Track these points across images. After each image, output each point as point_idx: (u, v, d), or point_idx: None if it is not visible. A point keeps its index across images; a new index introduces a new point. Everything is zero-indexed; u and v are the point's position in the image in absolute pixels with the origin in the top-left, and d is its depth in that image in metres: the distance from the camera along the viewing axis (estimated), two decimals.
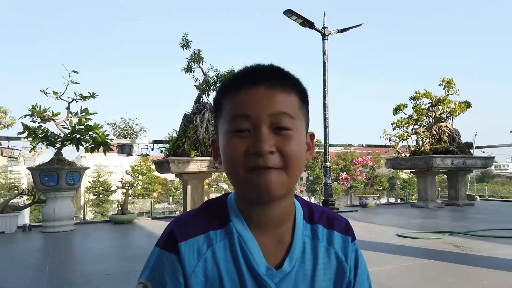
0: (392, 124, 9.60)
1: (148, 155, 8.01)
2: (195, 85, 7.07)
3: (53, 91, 6.29)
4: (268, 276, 0.76)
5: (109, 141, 6.45)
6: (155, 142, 7.87)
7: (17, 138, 6.82)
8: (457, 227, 5.76)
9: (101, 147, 6.43)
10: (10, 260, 4.22)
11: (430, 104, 9.69)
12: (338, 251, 0.84)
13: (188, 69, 7.02)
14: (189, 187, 6.67)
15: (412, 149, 9.40)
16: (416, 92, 9.79)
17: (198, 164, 6.35)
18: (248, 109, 0.73)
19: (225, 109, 0.78)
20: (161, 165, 6.64)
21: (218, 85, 6.88)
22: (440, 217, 7.26)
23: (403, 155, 9.47)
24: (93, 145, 6.33)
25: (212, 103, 0.81)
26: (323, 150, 8.90)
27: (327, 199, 8.53)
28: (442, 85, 9.74)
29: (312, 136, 0.85)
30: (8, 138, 7.61)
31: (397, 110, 9.78)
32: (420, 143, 9.32)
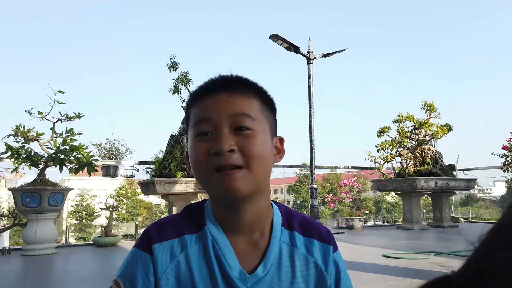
0: (376, 147, 9.76)
1: (134, 176, 7.93)
2: (182, 106, 7.12)
3: (38, 111, 6.26)
4: (240, 279, 0.77)
5: (94, 161, 6.38)
6: (141, 163, 7.82)
7: None
8: (441, 248, 5.80)
9: (86, 168, 6.35)
10: None
11: (413, 127, 9.90)
12: (317, 260, 0.84)
13: (175, 90, 7.08)
14: (174, 208, 6.60)
15: (397, 171, 9.53)
16: (399, 115, 10.01)
17: (184, 185, 6.31)
18: (209, 113, 0.76)
19: (191, 117, 0.81)
20: (147, 186, 6.58)
21: None
22: (425, 238, 7.30)
23: (388, 177, 9.58)
24: (77, 166, 6.25)
25: (190, 100, 0.84)
26: (309, 172, 8.96)
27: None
28: (424, 108, 9.99)
29: (281, 140, 0.87)
30: None
31: (381, 132, 9.97)
32: (404, 165, 9.47)
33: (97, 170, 6.51)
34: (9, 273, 4.61)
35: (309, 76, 9.15)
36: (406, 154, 9.48)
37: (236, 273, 0.77)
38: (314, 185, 8.71)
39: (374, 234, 8.17)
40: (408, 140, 9.84)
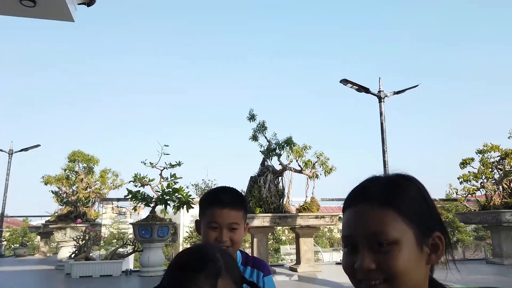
0: (458, 178, 9.65)
1: None
2: (260, 151, 8.32)
3: (150, 162, 8.06)
4: None
5: (191, 200, 7.89)
6: None
7: (123, 199, 8.65)
8: (509, 284, 5.81)
9: (185, 206, 7.88)
10: None
11: (499, 157, 9.56)
12: (253, 278, 1.81)
13: (254, 138, 8.33)
14: (255, 240, 7.70)
15: (482, 203, 9.27)
16: (484, 145, 9.78)
17: (261, 219, 7.39)
18: (216, 219, 1.63)
19: (206, 213, 1.69)
20: None
21: (277, 151, 8.03)
22: (505, 274, 7.12)
23: (472, 210, 9.37)
24: (178, 204, 7.81)
25: (203, 202, 1.65)
26: None
27: None
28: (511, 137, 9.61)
29: (247, 224, 1.78)
30: (118, 199, 9.59)
31: (464, 164, 9.83)
32: (489, 197, 9.18)
33: (193, 207, 7.99)
34: None
35: (380, 114, 9.67)
36: (491, 185, 9.20)
37: None
38: None
39: (453, 269, 8.10)
40: (495, 171, 9.52)
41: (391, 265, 0.74)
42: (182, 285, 0.87)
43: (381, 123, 9.64)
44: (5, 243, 21.60)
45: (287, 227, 10.03)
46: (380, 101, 9.72)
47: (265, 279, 1.69)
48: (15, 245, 18.13)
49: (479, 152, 9.74)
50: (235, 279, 0.95)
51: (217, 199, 1.59)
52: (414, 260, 0.76)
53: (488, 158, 9.56)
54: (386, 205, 0.78)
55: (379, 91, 9.73)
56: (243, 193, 1.65)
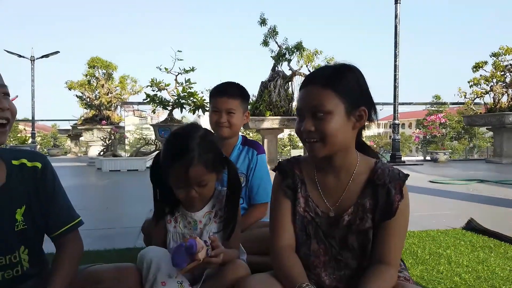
0: (469, 82, 9.73)
1: None
2: (271, 56, 8.50)
3: (165, 68, 8.40)
4: None
5: (205, 104, 8.38)
6: None
7: (143, 103, 9.22)
8: (497, 178, 6.34)
9: (200, 109, 8.40)
10: (140, 186, 6.47)
11: None
12: (249, 155, 2.26)
13: (265, 43, 8.45)
14: (266, 140, 8.32)
15: (489, 106, 9.47)
16: (500, 48, 9.63)
17: (271, 122, 7.91)
18: (218, 106, 2.06)
19: (211, 100, 2.14)
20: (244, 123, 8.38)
21: (287, 56, 8.19)
22: (499, 171, 7.65)
23: (478, 113, 9.62)
24: (194, 108, 8.34)
25: (210, 94, 2.08)
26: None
27: (395, 153, 9.38)
28: None
29: (248, 113, 2.18)
30: (138, 103, 10.18)
31: (476, 67, 9.81)
32: (497, 100, 9.34)
33: (207, 111, 8.52)
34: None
35: (396, 16, 9.45)
36: (500, 89, 9.29)
37: None
38: (397, 121, 9.42)
39: (453, 167, 8.70)
40: (508, 74, 9.52)
41: (324, 127, 1.06)
42: (165, 169, 1.28)
43: (395, 26, 9.46)
44: (38, 147, 23.34)
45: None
46: (396, 2, 9.42)
47: (258, 156, 2.15)
48: (47, 148, 19.66)
49: (494, 55, 9.64)
50: (207, 164, 1.27)
51: (219, 90, 2.02)
52: (342, 125, 1.08)
53: (501, 61, 9.49)
54: (326, 86, 1.08)
55: None
56: (245, 89, 2.03)
